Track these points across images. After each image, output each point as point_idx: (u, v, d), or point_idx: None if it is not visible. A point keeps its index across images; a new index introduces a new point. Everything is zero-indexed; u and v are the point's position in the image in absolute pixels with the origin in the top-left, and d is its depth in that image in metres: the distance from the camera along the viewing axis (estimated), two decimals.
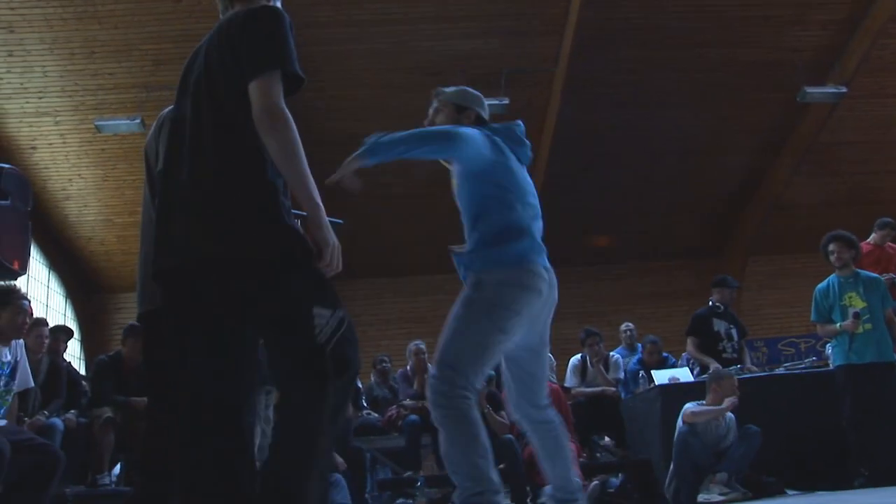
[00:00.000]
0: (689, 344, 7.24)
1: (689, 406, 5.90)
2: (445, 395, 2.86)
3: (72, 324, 13.13)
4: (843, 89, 12.15)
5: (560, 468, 3.17)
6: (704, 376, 6.38)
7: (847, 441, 5.92)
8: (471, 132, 3.06)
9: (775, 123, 13.60)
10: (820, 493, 5.65)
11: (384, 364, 8.15)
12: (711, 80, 12.46)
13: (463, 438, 2.85)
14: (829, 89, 12.19)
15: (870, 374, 5.98)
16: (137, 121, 11.09)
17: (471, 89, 3.43)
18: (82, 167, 12.84)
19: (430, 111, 3.34)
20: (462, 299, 2.99)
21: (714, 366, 6.58)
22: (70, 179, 12.97)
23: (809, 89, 11.98)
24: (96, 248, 14.24)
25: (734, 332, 7.25)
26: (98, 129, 11.40)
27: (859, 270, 6.39)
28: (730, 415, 5.95)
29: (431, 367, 3.01)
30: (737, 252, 15.49)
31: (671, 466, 5.79)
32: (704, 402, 5.94)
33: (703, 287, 8.17)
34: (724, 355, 7.03)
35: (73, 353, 13.40)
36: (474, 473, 2.83)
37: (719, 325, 7.22)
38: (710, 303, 7.38)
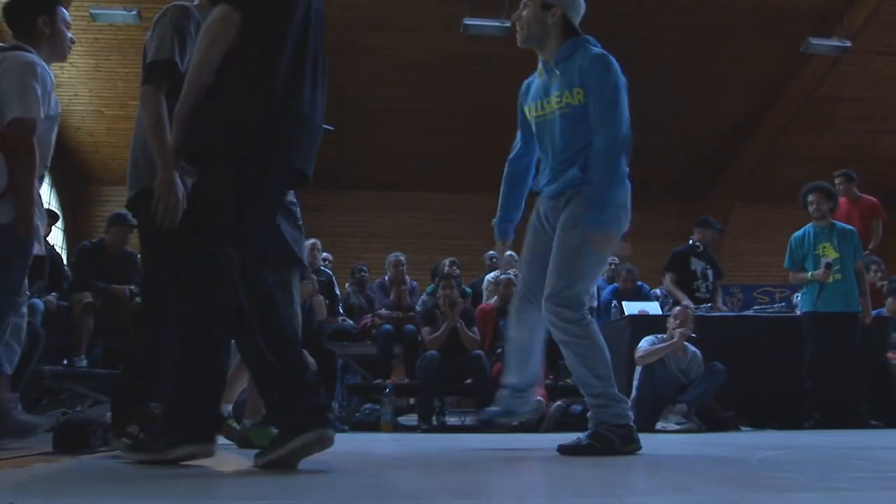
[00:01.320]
0: (666, 279, 7.38)
1: (642, 344, 6.06)
2: (574, 321, 3.06)
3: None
4: (848, 43, 12.04)
5: (533, 362, 3.41)
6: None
7: (804, 385, 6.13)
8: (623, 83, 3.19)
9: (775, 71, 13.50)
10: (771, 430, 5.88)
11: (362, 273, 8.25)
12: (715, 21, 12.29)
13: (595, 354, 3.08)
14: (834, 42, 12.07)
15: (834, 322, 6.17)
16: (134, 13, 10.89)
17: None
18: (74, 55, 12.46)
19: (521, 4, 3.29)
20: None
21: (685, 302, 6.72)
22: (61, 66, 12.69)
23: (814, 40, 11.86)
24: (84, 139, 14.12)
25: (710, 272, 7.37)
26: (93, 17, 11.19)
27: (835, 222, 6.50)
28: (694, 349, 6.11)
29: (550, 291, 3.10)
30: (723, 196, 15.55)
31: (633, 393, 5.98)
32: (665, 335, 6.09)
33: (687, 228, 8.23)
34: (698, 294, 7.17)
35: (56, 242, 13.42)
36: (607, 387, 3.08)
37: (696, 265, 7.34)
38: (691, 241, 7.48)
